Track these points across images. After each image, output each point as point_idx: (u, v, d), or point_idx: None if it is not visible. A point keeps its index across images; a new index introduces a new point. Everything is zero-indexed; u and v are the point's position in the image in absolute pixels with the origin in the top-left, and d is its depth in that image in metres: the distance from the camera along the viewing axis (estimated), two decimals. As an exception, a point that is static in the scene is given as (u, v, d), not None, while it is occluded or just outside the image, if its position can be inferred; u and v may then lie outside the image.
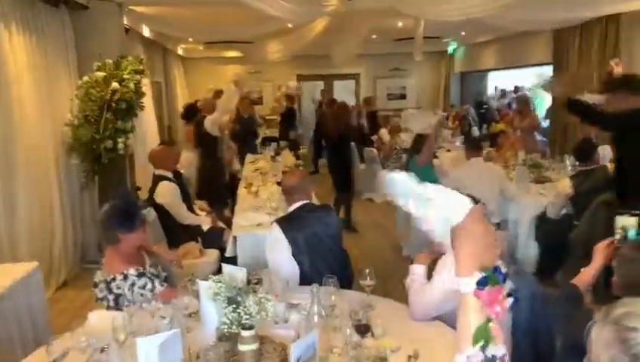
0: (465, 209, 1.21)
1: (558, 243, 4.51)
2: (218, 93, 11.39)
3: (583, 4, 5.97)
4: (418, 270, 2.58)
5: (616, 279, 2.01)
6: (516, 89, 12.81)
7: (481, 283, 1.17)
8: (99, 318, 2.39)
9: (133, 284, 2.72)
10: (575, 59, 8.23)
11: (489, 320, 1.13)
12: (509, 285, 1.20)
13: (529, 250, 5.07)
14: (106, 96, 5.34)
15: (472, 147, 5.31)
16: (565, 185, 4.64)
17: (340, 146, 6.96)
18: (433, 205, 1.26)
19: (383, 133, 8.62)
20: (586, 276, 2.29)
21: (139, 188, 5.97)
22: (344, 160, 6.99)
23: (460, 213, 1.21)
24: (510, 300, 1.18)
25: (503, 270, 1.23)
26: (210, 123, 6.32)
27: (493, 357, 1.11)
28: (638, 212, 2.30)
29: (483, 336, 1.12)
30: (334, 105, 7.98)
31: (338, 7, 6.57)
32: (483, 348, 1.11)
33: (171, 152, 5.04)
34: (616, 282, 2.00)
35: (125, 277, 2.74)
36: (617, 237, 2.26)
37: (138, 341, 1.90)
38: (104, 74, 5.43)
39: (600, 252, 2.30)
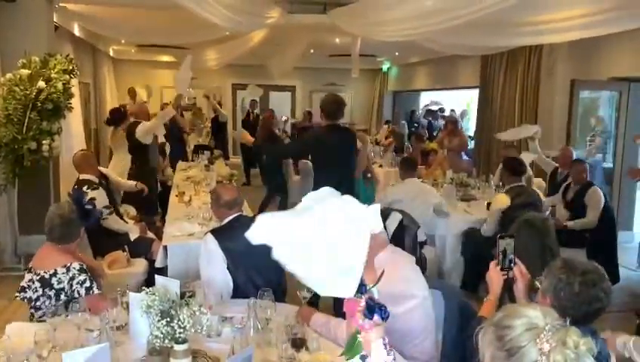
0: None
1: (483, 258, 4.71)
2: (131, 92, 11.12)
3: (508, 34, 6.34)
4: (319, 321, 2.50)
5: (552, 303, 1.96)
6: (441, 110, 13.46)
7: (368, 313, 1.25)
8: (18, 331, 2.26)
9: (73, 278, 2.65)
10: (500, 83, 8.70)
11: (358, 332, 1.19)
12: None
13: (455, 265, 5.27)
14: (31, 95, 5.07)
15: (407, 168, 5.41)
16: (502, 200, 4.81)
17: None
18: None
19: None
20: (489, 306, 2.26)
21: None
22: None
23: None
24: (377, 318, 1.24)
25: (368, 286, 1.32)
26: (143, 132, 6.04)
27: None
28: (513, 233, 2.40)
29: (352, 350, 1.18)
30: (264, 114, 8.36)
31: (278, 19, 6.61)
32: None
33: (94, 156, 4.93)
34: (551, 305, 1.94)
35: (68, 269, 2.65)
36: (500, 258, 2.24)
37: (63, 356, 1.81)
38: (29, 72, 5.16)
39: (494, 279, 2.25)
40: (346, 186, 4.58)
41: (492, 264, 2.24)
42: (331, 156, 4.60)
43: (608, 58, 6.85)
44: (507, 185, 5.13)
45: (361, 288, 1.31)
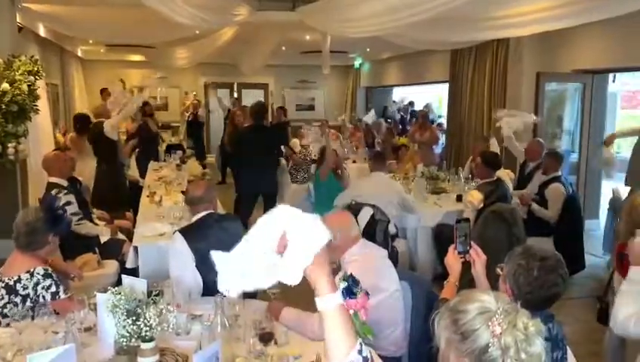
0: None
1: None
2: (104, 93, 10.96)
3: (474, 28, 6.42)
4: (289, 315, 2.50)
5: (512, 288, 2.02)
6: (411, 103, 13.61)
7: (347, 293, 1.25)
8: (-17, 336, 2.23)
9: (37, 283, 2.61)
10: (469, 77, 8.81)
11: (356, 313, 1.23)
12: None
13: (426, 258, 5.34)
14: (-5, 98, 4.99)
15: (377, 161, 5.46)
16: (477, 198, 4.81)
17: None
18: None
19: (295, 143, 8.70)
20: (450, 288, 2.32)
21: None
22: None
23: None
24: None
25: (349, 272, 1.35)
26: (109, 126, 6.15)
27: (365, 358, 1.22)
28: (467, 217, 2.45)
29: (362, 328, 1.21)
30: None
31: (247, 17, 6.59)
32: (360, 351, 1.20)
33: (66, 158, 4.81)
34: (510, 290, 2.01)
35: (31, 274, 2.62)
36: (461, 241, 2.26)
37: (28, 358, 1.80)
38: (-8, 73, 5.08)
39: (452, 263, 2.30)
40: (268, 175, 5.93)
41: (450, 248, 2.30)
42: (252, 151, 5.75)
43: (572, 51, 6.99)
44: (481, 180, 5.18)
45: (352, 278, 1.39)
